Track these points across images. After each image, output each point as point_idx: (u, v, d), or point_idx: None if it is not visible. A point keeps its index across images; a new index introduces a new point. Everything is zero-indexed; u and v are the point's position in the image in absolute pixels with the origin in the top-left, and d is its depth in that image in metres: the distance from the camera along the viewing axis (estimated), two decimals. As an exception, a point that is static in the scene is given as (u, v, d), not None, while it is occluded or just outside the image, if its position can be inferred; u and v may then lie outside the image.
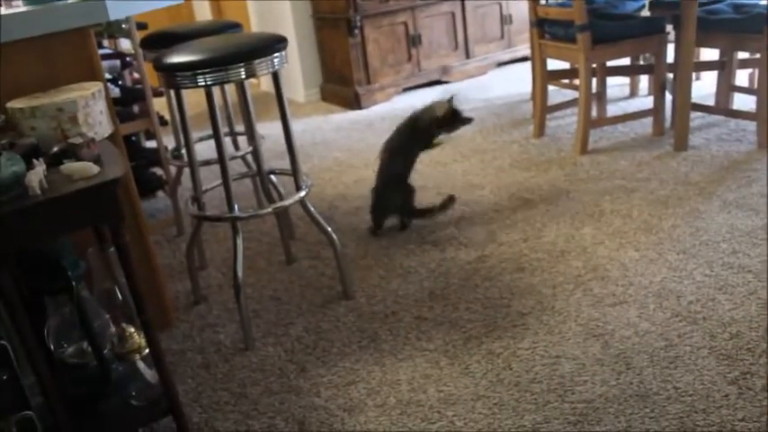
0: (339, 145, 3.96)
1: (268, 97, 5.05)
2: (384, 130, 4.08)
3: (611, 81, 4.28)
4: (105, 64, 3.17)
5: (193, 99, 3.46)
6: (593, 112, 3.84)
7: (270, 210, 2.26)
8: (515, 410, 1.76)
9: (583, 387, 1.81)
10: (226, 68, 1.97)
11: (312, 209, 2.28)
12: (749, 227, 2.53)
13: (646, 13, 3.95)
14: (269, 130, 4.04)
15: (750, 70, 3.78)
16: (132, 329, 1.65)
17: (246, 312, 2.16)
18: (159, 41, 2.69)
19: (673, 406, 1.71)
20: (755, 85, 3.48)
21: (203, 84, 1.98)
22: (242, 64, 1.98)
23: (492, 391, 1.83)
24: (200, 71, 1.96)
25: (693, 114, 3.54)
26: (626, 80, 4.35)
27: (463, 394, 1.83)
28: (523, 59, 5.19)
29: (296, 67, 4.96)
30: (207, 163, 2.73)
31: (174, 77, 2.00)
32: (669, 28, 3.44)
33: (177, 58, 2.00)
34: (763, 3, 3.17)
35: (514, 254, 2.52)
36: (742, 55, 3.56)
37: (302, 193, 2.20)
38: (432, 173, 3.37)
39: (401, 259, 2.59)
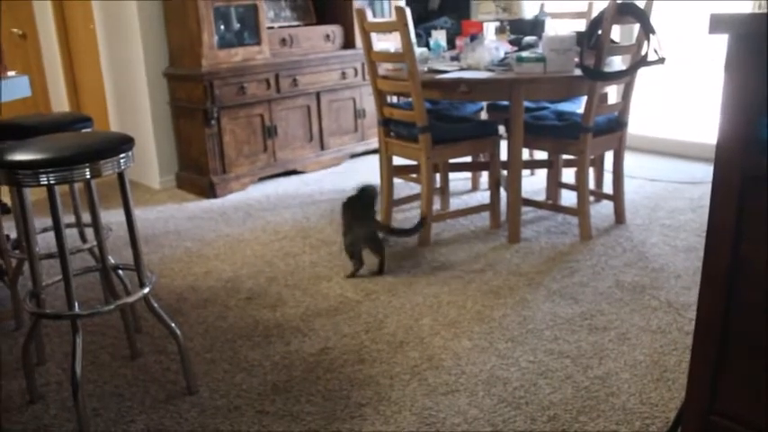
0: (191, 234, 3.98)
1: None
2: (237, 221, 4.16)
3: (456, 175, 4.61)
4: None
5: (39, 188, 3.39)
6: (437, 206, 4.11)
7: (112, 307, 2.25)
8: (350, 501, 1.83)
9: (414, 475, 1.91)
10: (70, 168, 1.99)
11: (156, 305, 2.30)
12: (569, 314, 2.79)
13: (484, 114, 4.32)
14: (121, 216, 3.99)
15: (575, 169, 4.19)
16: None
17: (85, 411, 2.12)
18: (4, 133, 2.66)
19: (495, 489, 1.85)
20: (578, 184, 3.86)
21: (46, 183, 1.98)
22: (87, 164, 2.01)
23: (328, 483, 1.90)
24: (42, 170, 1.97)
25: (526, 208, 3.87)
26: (469, 174, 4.68)
27: (301, 488, 1.89)
28: (376, 151, 5.43)
29: (152, 154, 4.96)
30: (51, 255, 2.68)
31: (15, 175, 2.00)
32: (503, 129, 3.78)
33: (19, 156, 2.00)
34: (579, 112, 3.57)
35: (356, 345, 2.63)
36: (568, 155, 3.94)
37: (145, 290, 2.23)
38: (280, 264, 3.46)
39: (246, 352, 2.63)
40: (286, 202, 4.52)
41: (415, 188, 4.34)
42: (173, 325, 2.33)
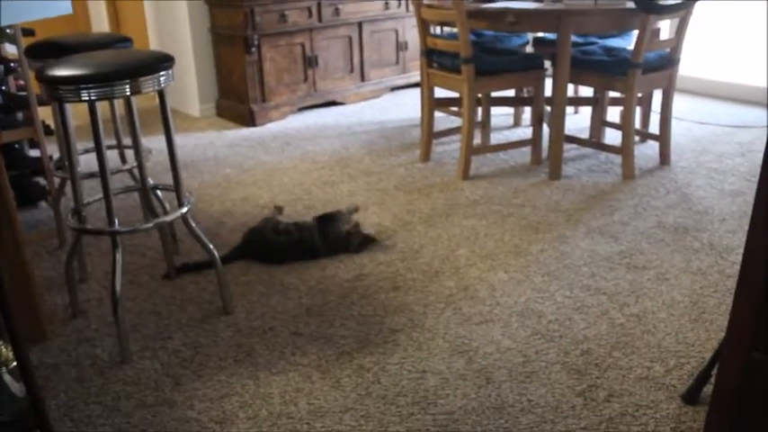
0: (230, 162, 3.99)
1: (162, 110, 5.02)
2: (276, 149, 4.16)
3: (498, 110, 4.53)
4: (-12, 69, 3.10)
5: (82, 108, 3.40)
6: (478, 140, 4.05)
7: (151, 225, 2.27)
8: (380, 422, 1.85)
9: (445, 400, 1.93)
10: (111, 84, 1.98)
11: (194, 225, 2.32)
12: (608, 252, 2.75)
13: (530, 49, 4.21)
14: (161, 143, 4.00)
15: (621, 107, 4.07)
16: (0, 342, 1.64)
17: (124, 326, 2.17)
18: (45, 51, 2.66)
19: (525, 417, 1.86)
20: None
21: (87, 99, 1.99)
22: (127, 81, 2.00)
23: (360, 403, 1.93)
24: (83, 86, 1.96)
25: (568, 146, 3.79)
26: (511, 110, 4.59)
27: (332, 407, 1.92)
28: (417, 85, 5.34)
29: (192, 81, 4.94)
30: (92, 175, 2.71)
31: (57, 90, 2.00)
32: (549, 64, 3.68)
33: (61, 71, 1.99)
34: (630, 48, 3.45)
35: (391, 273, 2.64)
36: (614, 93, 3.84)
37: (183, 210, 2.24)
38: (318, 192, 3.46)
39: (282, 276, 2.65)
40: (325, 132, 4.50)
41: (456, 121, 4.28)
42: (210, 246, 2.35)
